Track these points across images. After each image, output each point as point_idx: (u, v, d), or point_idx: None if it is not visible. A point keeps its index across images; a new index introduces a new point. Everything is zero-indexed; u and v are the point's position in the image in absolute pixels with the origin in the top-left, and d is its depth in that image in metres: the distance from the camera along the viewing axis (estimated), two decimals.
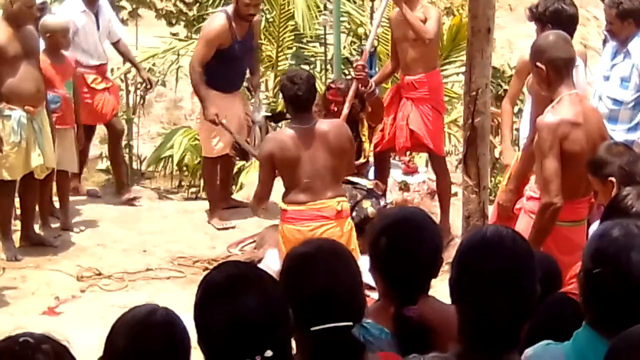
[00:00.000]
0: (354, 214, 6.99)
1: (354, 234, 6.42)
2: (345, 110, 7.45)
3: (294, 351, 2.80)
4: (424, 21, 7.76)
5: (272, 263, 6.74)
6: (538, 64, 5.29)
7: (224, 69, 8.11)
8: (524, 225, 5.32)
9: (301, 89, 6.37)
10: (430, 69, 7.98)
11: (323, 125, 6.51)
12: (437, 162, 8.29)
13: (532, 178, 5.59)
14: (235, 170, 9.61)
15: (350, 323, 2.89)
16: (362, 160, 7.71)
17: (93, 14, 8.68)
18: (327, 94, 7.75)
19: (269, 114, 8.75)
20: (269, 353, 2.49)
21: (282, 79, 6.68)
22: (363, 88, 7.57)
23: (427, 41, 7.73)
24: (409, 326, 3.22)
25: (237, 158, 8.61)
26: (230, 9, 8.28)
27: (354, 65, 7.97)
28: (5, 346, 2.22)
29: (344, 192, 6.61)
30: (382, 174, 8.41)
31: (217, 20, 8.22)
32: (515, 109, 10.96)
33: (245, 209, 8.51)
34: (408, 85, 7.99)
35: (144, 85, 9.69)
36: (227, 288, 2.56)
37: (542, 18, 6.48)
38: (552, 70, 5.25)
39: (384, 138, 8.16)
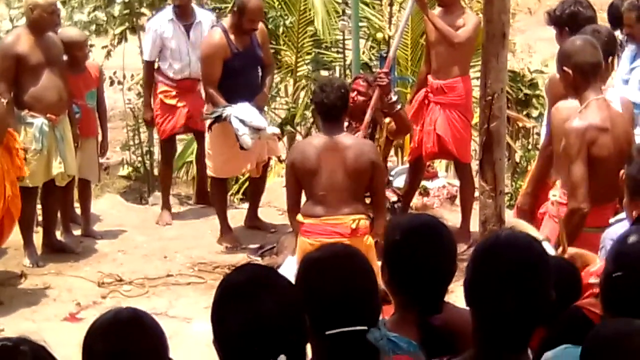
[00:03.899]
0: None
1: (374, 252, 6.17)
2: (368, 117, 7.31)
3: (309, 356, 2.82)
4: (462, 27, 7.76)
5: (290, 269, 6.76)
6: (565, 68, 5.27)
7: (228, 82, 7.96)
8: (548, 230, 5.28)
9: (329, 97, 6.29)
10: (461, 74, 7.95)
11: (348, 139, 6.41)
12: (462, 169, 8.25)
13: (557, 182, 5.58)
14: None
15: (365, 327, 2.90)
16: None
17: (183, 26, 8.54)
18: (352, 82, 7.67)
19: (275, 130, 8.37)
20: (282, 358, 2.51)
21: (315, 84, 6.63)
22: (385, 97, 7.34)
23: (457, 45, 7.73)
24: (437, 335, 3.22)
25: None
26: (226, 22, 8.14)
27: (377, 72, 7.84)
28: None
29: (364, 210, 6.43)
30: (412, 184, 8.39)
31: (213, 36, 8.07)
32: (536, 113, 11.01)
33: (266, 232, 8.44)
34: (437, 89, 7.97)
35: None
36: (246, 289, 2.59)
37: (559, 21, 6.48)
38: (578, 74, 5.22)
39: (414, 145, 8.16)
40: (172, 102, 8.61)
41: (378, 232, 6.25)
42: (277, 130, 8.64)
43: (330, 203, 6.30)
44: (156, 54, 8.64)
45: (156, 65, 8.73)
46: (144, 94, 9.00)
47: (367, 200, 6.62)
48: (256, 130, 7.82)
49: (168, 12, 8.67)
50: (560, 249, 4.48)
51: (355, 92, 7.39)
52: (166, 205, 8.92)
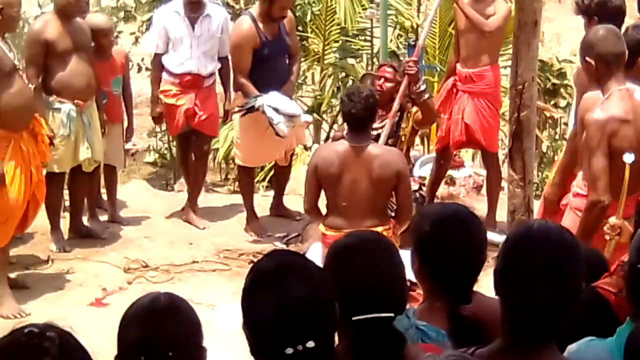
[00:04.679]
0: None
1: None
2: (396, 106, 7.25)
3: (337, 342, 2.81)
4: (493, 16, 7.72)
5: (315, 257, 6.75)
6: (587, 58, 5.20)
7: (258, 70, 7.90)
8: (569, 221, 5.23)
9: (356, 106, 6.22)
10: (490, 63, 7.92)
11: (375, 149, 6.34)
12: (489, 158, 8.21)
13: (580, 174, 5.53)
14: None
15: (392, 314, 2.90)
16: None
17: (188, 18, 8.14)
18: (378, 70, 7.65)
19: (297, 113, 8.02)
20: (310, 344, 2.51)
21: (342, 93, 6.57)
22: (413, 86, 7.27)
23: (487, 34, 7.70)
24: (466, 325, 3.20)
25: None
26: (254, 10, 8.08)
27: (405, 60, 7.76)
28: (13, 338, 2.27)
29: (386, 222, 6.34)
30: (438, 173, 8.35)
31: (242, 25, 7.97)
32: (564, 103, 10.95)
33: (291, 220, 8.44)
34: (466, 77, 7.94)
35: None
36: (276, 276, 2.59)
37: (588, 11, 6.41)
38: (601, 65, 5.15)
39: (442, 134, 8.13)
40: (172, 101, 8.27)
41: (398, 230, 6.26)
42: (311, 118, 8.62)
43: (352, 215, 6.24)
44: (163, 47, 8.22)
45: None
46: (152, 88, 8.48)
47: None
48: (290, 117, 7.79)
49: (176, 3, 8.24)
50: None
51: (382, 79, 7.37)
52: (192, 205, 8.55)
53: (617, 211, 4.92)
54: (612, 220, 4.89)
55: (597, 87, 5.28)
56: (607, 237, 4.89)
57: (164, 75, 8.29)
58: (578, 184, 5.43)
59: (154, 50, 8.33)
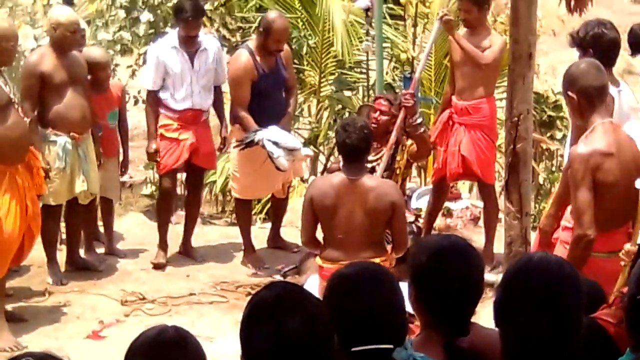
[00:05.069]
0: None
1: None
2: (393, 139, 7.30)
3: None
4: (488, 48, 7.76)
5: (312, 289, 6.74)
6: (570, 92, 5.18)
7: (255, 103, 7.90)
8: (559, 255, 5.21)
9: (351, 137, 6.22)
10: (486, 95, 7.94)
11: (370, 181, 6.34)
12: (486, 189, 8.21)
13: (569, 207, 5.52)
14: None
15: (391, 346, 2.90)
16: None
17: (187, 53, 8.05)
18: (374, 102, 7.67)
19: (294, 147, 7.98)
20: None
21: (338, 124, 6.56)
22: (410, 118, 7.33)
23: (483, 66, 7.73)
24: (463, 357, 3.19)
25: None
26: (252, 43, 8.09)
27: (402, 93, 7.81)
28: None
29: (383, 254, 6.33)
30: (435, 205, 8.35)
31: (240, 58, 7.98)
32: (559, 135, 10.97)
33: (288, 252, 8.45)
34: (462, 110, 7.95)
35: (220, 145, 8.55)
36: (275, 307, 2.61)
37: (583, 43, 6.44)
38: (583, 99, 5.13)
39: (438, 166, 8.13)
40: (174, 135, 8.12)
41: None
42: (311, 152, 8.62)
43: (348, 247, 6.23)
44: (160, 83, 8.10)
45: None
46: (148, 125, 8.24)
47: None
48: (290, 151, 7.80)
49: (171, 38, 8.15)
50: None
51: (378, 112, 7.40)
52: (162, 245, 8.37)
53: (633, 238, 4.91)
54: (627, 246, 4.88)
55: (579, 122, 5.27)
56: (622, 264, 4.88)
57: (163, 110, 8.15)
58: (566, 218, 5.40)
59: (150, 87, 8.19)
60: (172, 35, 8.22)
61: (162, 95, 8.14)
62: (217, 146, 8.55)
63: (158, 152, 8.20)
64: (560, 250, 5.31)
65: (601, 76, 5.21)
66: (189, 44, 8.09)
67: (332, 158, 10.91)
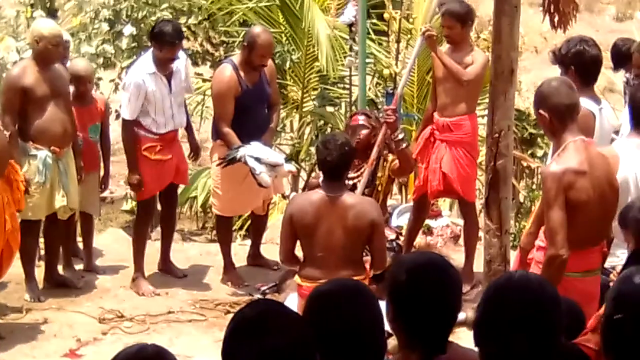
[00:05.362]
0: None
1: None
2: (374, 155, 7.29)
3: None
4: (471, 65, 7.75)
5: (292, 307, 6.67)
6: (541, 111, 5.15)
7: (238, 118, 7.85)
8: None
9: (331, 154, 6.18)
10: (467, 112, 7.91)
11: (350, 199, 6.30)
12: (467, 207, 8.18)
13: (543, 227, 5.48)
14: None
15: None
16: None
17: (164, 76, 7.92)
18: (350, 119, 7.64)
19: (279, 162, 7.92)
20: None
21: (318, 141, 6.53)
22: (391, 134, 7.33)
23: (464, 83, 7.71)
24: None
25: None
26: (236, 58, 8.06)
27: (384, 109, 7.79)
28: None
29: (362, 272, 6.27)
30: (416, 222, 8.31)
31: (224, 73, 7.93)
32: (540, 153, 10.97)
33: (268, 270, 8.39)
34: (443, 127, 7.91)
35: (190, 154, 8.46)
36: (257, 324, 2.61)
37: (564, 60, 6.43)
38: (555, 117, 5.10)
39: (419, 183, 8.11)
40: (159, 157, 7.97)
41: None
42: (294, 168, 8.57)
43: (327, 265, 6.18)
44: (138, 112, 7.88)
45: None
46: (129, 156, 8.02)
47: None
48: (273, 167, 7.74)
49: (146, 64, 7.92)
50: None
51: (360, 133, 7.39)
52: (141, 271, 8.18)
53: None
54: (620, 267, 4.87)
55: (550, 140, 5.24)
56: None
57: (143, 133, 7.94)
58: (540, 237, 5.34)
59: (128, 117, 7.94)
60: (147, 60, 8.00)
61: (143, 120, 7.95)
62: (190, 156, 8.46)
63: (141, 182, 8.01)
64: (535, 271, 5.26)
65: (572, 94, 5.19)
66: (166, 67, 7.93)
67: (313, 174, 10.90)
